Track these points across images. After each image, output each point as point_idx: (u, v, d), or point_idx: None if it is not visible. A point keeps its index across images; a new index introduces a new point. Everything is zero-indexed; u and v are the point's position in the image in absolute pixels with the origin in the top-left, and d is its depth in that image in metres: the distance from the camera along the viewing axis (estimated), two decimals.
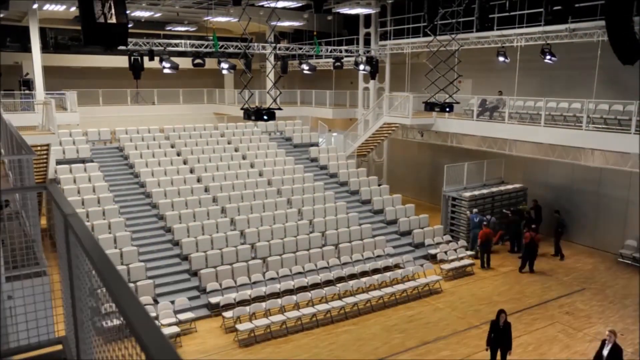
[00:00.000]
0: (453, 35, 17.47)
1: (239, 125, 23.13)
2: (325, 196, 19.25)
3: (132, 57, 18.78)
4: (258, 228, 16.55)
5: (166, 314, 12.53)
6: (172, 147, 20.70)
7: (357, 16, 24.12)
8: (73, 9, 20.20)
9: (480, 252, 17.24)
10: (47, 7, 19.72)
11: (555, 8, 13.83)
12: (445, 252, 17.14)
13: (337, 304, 13.56)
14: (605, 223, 18.54)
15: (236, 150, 21.37)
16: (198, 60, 20.19)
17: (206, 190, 18.27)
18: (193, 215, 16.64)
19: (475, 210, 18.28)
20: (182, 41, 20.61)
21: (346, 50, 23.59)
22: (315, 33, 22.86)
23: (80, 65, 26.86)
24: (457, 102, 16.74)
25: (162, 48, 19.67)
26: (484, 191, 19.46)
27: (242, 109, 14.35)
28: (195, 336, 12.50)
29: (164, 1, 21.57)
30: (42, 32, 21.51)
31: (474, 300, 14.70)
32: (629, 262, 16.98)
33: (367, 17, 23.96)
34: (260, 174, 19.90)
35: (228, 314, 12.81)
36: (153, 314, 12.43)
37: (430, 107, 16.85)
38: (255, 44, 22.29)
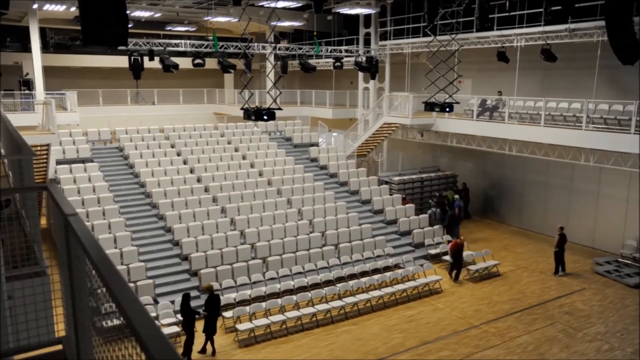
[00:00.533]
0: (453, 35, 17.48)
1: (239, 125, 23.13)
2: (325, 196, 19.26)
3: (132, 57, 18.77)
4: (258, 228, 16.56)
5: (166, 314, 12.53)
6: (172, 147, 20.70)
7: (357, 16, 24.13)
8: (73, 9, 20.22)
9: (451, 265, 16.36)
10: (47, 7, 19.74)
11: (555, 8, 13.85)
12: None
13: (337, 304, 13.56)
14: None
15: (236, 150, 21.37)
16: (198, 60, 20.21)
17: (206, 190, 18.27)
18: (193, 215, 16.64)
19: (456, 196, 20.42)
20: (182, 41, 20.62)
21: (346, 50, 23.60)
22: (315, 33, 22.87)
23: (80, 65, 26.87)
24: (457, 102, 16.76)
25: (162, 48, 19.67)
26: (414, 176, 22.29)
27: (242, 109, 14.36)
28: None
29: (164, 1, 21.57)
30: (42, 32, 21.50)
31: (474, 300, 14.71)
32: (605, 273, 16.42)
33: (367, 17, 23.96)
34: (260, 174, 19.90)
35: (228, 314, 12.82)
36: (153, 314, 12.44)
37: (430, 107, 16.87)
38: (255, 44, 22.29)
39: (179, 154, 20.25)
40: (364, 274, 15.61)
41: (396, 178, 21.89)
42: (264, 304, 13.21)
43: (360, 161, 24.35)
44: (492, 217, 22.58)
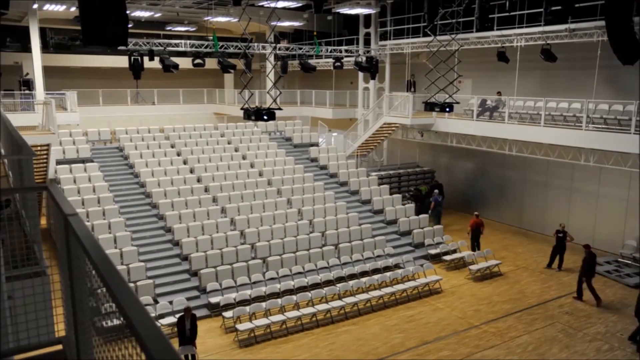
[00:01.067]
0: (453, 35, 17.48)
1: (239, 125, 23.12)
2: (325, 196, 19.26)
3: (132, 57, 18.77)
4: (258, 228, 16.55)
5: (166, 314, 12.52)
6: (172, 147, 20.70)
7: (357, 16, 24.13)
8: (73, 9, 20.22)
9: (471, 240, 18.23)
10: (47, 7, 19.74)
11: (555, 8, 13.85)
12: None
13: (337, 304, 13.57)
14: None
15: (236, 150, 21.37)
16: (198, 60, 20.20)
17: (206, 190, 18.27)
18: (193, 215, 16.64)
19: (436, 191, 21.01)
20: (182, 41, 20.62)
21: (346, 50, 23.60)
22: (315, 33, 22.86)
23: (80, 65, 26.86)
24: (457, 102, 16.75)
25: (162, 48, 19.67)
26: (391, 172, 23.51)
27: (242, 109, 14.35)
28: None
29: (164, 1, 21.58)
30: (42, 32, 21.51)
31: (474, 300, 14.71)
32: (605, 273, 16.33)
33: (367, 17, 23.96)
34: (260, 174, 19.90)
35: (228, 314, 12.82)
36: (153, 314, 12.43)
37: (430, 107, 16.86)
38: (255, 44, 22.30)
39: (179, 154, 20.25)
40: (364, 274, 15.61)
41: (374, 174, 22.69)
42: (264, 304, 13.21)
43: (360, 161, 24.35)
44: (492, 217, 22.56)
